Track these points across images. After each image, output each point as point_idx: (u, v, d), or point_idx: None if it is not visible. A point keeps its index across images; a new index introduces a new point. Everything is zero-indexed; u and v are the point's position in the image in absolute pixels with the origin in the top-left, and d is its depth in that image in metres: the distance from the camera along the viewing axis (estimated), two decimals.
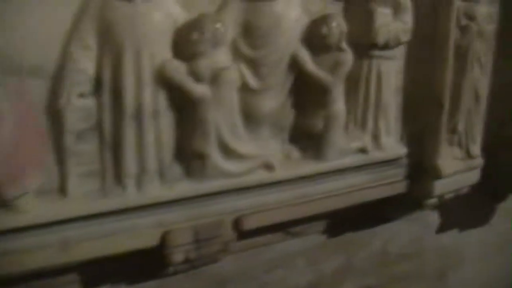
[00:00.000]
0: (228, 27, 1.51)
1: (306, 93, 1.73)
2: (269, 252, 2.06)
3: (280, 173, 1.71)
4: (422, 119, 2.06)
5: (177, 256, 1.63)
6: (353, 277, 2.36)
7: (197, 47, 1.46)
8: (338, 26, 1.67)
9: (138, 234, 1.56)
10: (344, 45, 1.70)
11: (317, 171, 1.80)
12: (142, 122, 1.45)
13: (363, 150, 1.89)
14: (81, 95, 1.41)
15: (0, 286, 1.56)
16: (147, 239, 1.58)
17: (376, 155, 1.92)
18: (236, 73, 1.56)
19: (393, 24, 1.79)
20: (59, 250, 1.48)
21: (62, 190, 1.47)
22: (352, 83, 1.82)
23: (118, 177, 1.49)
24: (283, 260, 2.11)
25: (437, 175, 2.06)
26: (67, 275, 1.69)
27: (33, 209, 1.42)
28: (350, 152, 1.85)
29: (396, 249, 2.45)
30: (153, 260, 1.68)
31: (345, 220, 2.12)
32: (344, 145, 1.82)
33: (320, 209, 1.87)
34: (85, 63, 1.39)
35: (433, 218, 2.51)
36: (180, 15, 1.47)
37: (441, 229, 2.57)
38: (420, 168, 2.08)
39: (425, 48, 1.98)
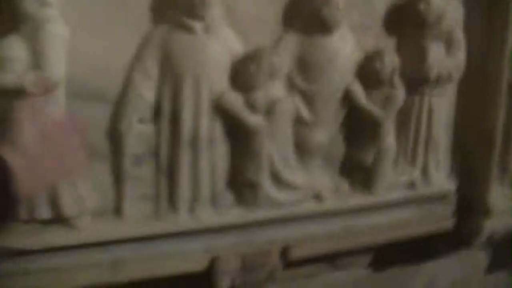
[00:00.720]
0: (284, 60, 1.56)
1: (357, 126, 1.75)
2: (314, 283, 2.05)
3: (329, 204, 1.73)
4: (472, 155, 2.03)
5: (224, 282, 1.65)
6: None
7: (254, 79, 1.50)
8: (391, 61, 1.69)
9: (187, 258, 1.60)
10: (396, 80, 1.72)
11: (366, 204, 1.80)
12: (198, 150, 1.50)
13: (412, 185, 1.88)
14: (141, 121, 1.48)
15: None
16: (196, 263, 1.62)
17: (424, 190, 1.91)
18: (290, 105, 1.59)
19: (446, 60, 1.79)
20: (110, 269, 1.53)
21: (118, 211, 1.52)
22: (403, 118, 1.83)
23: (172, 201, 1.54)
24: None
25: (487, 213, 2.02)
26: None
27: (90, 227, 1.48)
28: (399, 186, 1.85)
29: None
30: (200, 284, 1.71)
31: (391, 255, 2.10)
32: (393, 179, 1.82)
33: (367, 242, 1.87)
34: (146, 90, 1.46)
35: (482, 257, 2.43)
36: (239, 48, 1.53)
37: (490, 269, 2.49)
38: (469, 205, 2.05)
39: (477, 83, 1.97)
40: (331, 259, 1.98)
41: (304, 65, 1.62)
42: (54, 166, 1.07)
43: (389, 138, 1.78)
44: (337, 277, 2.09)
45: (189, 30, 1.44)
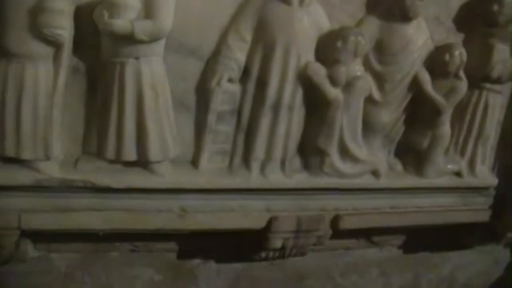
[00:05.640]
0: (367, 41, 1.65)
1: (418, 111, 1.85)
2: (348, 257, 2.17)
3: (383, 182, 1.84)
4: None
5: (276, 242, 1.76)
6: None
7: (338, 54, 1.60)
8: (459, 55, 1.78)
9: (249, 215, 1.71)
10: (462, 73, 1.81)
11: (416, 186, 1.91)
12: (278, 113, 1.60)
13: (458, 174, 1.98)
14: (230, 80, 1.57)
15: (113, 239, 1.73)
16: (256, 221, 1.73)
17: (469, 180, 2.01)
18: (367, 83, 1.69)
19: (509, 61, 1.87)
20: (178, 216, 1.65)
21: (195, 162, 1.63)
22: (459, 110, 1.92)
23: (246, 159, 1.65)
24: (359, 266, 2.21)
25: None
26: (167, 243, 1.85)
27: (168, 175, 1.59)
28: (446, 173, 1.95)
29: (464, 278, 2.49)
30: (249, 243, 1.82)
31: (423, 239, 2.20)
32: (443, 166, 1.92)
33: (409, 221, 1.98)
34: (239, 52, 1.56)
35: (505, 255, 2.52)
36: (326, 24, 1.62)
37: (510, 268, 2.59)
38: (505, 202, 2.14)
39: None
40: (369, 235, 2.10)
41: (381, 49, 1.72)
42: None
43: (446, 126, 1.88)
44: (371, 253, 2.21)
45: (286, 1, 1.54)
